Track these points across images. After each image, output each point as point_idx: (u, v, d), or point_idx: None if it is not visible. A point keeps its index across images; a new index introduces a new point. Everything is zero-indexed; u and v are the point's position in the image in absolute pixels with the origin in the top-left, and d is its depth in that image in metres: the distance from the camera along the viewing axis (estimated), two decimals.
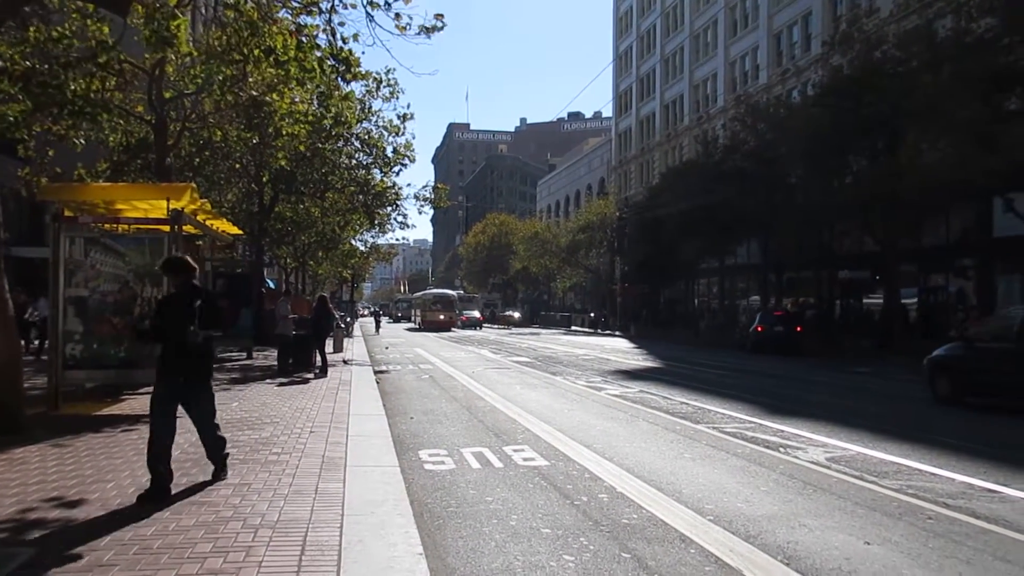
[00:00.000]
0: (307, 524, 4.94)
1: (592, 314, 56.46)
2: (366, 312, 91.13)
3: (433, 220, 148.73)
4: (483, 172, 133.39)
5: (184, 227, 10.75)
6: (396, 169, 24.73)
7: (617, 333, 46.94)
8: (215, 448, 6.17)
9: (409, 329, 56.72)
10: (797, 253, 32.57)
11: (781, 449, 8.59)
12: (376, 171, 25.38)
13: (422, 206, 27.02)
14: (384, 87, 21.43)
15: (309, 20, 10.69)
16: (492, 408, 11.93)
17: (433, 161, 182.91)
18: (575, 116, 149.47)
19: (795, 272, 36.31)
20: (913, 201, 22.82)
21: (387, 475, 6.45)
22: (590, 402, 12.96)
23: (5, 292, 8.24)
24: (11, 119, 11.70)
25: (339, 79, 11.26)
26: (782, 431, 9.84)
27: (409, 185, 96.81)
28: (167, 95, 15.44)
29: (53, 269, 9.81)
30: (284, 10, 11.31)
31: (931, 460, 8.00)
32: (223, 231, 14.48)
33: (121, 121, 15.94)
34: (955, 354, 13.31)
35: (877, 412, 12.02)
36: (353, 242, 37.41)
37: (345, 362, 19.39)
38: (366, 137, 23.77)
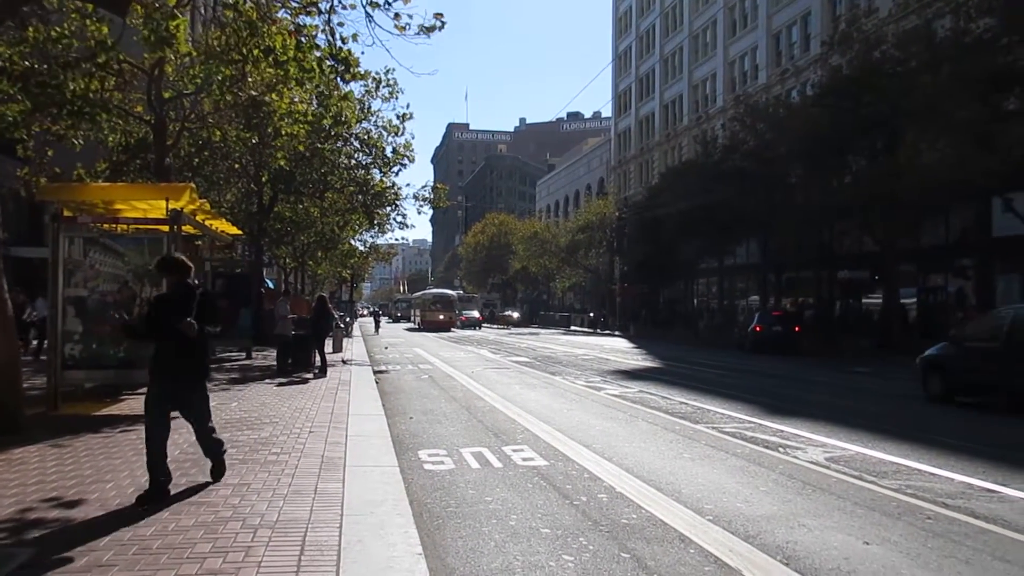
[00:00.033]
0: (306, 524, 4.94)
1: (591, 314, 56.49)
2: (365, 312, 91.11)
3: (432, 220, 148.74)
4: (482, 172, 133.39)
5: (183, 227, 10.75)
6: (395, 169, 24.77)
7: (616, 333, 46.95)
8: (212, 449, 6.10)
9: (408, 329, 56.71)
10: (796, 253, 32.60)
11: (780, 449, 8.59)
12: (375, 171, 25.39)
13: (421, 206, 27.05)
14: (383, 87, 21.46)
15: (308, 20, 10.70)
16: (491, 408, 11.93)
17: (432, 161, 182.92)
18: (574, 116, 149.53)
19: (794, 272, 36.35)
20: (912, 201, 22.86)
21: (386, 475, 6.45)
22: (589, 402, 12.96)
23: (4, 292, 8.23)
24: (10, 119, 11.70)
25: (338, 79, 11.26)
26: (781, 431, 9.85)
27: (408, 185, 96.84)
28: (166, 95, 15.44)
29: (52, 269, 9.81)
30: (283, 10, 11.32)
31: (930, 460, 8.01)
32: (222, 231, 14.48)
33: (120, 121, 15.93)
34: (946, 353, 13.39)
35: (876, 412, 12.03)
36: (352, 242, 37.40)
37: (344, 362, 19.38)
38: (365, 137, 23.77)
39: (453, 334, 45.96)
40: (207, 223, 12.88)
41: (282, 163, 19.57)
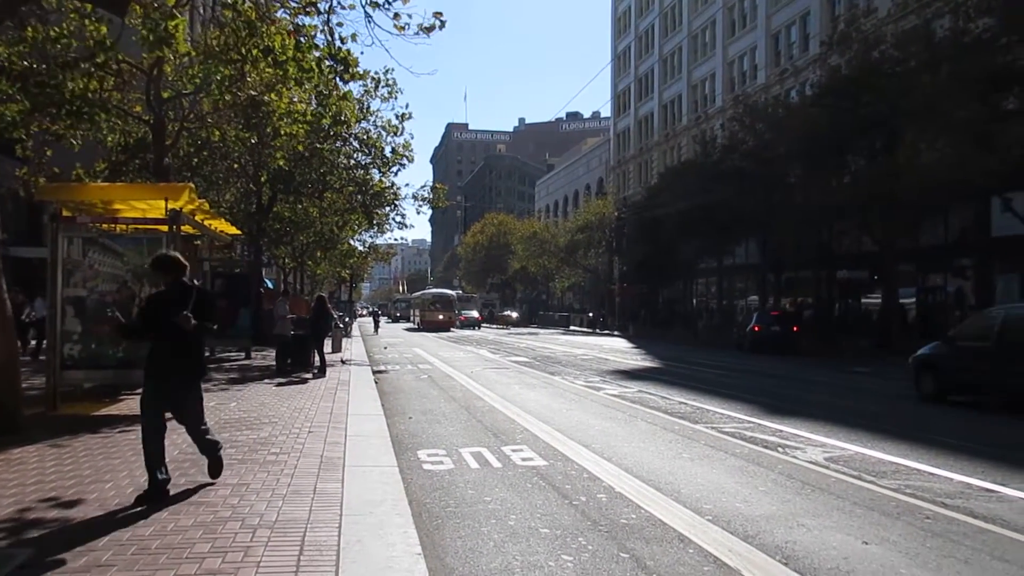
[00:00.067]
0: (305, 524, 4.94)
1: (591, 314, 56.49)
2: (365, 312, 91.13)
3: (431, 220, 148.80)
4: (481, 172, 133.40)
5: (182, 227, 10.75)
6: (394, 169, 24.78)
7: (615, 333, 46.95)
8: (208, 447, 5.99)
9: (408, 329, 56.70)
10: (795, 253, 32.61)
11: (779, 449, 8.60)
12: (375, 171, 25.39)
13: (420, 206, 27.08)
14: (382, 87, 21.45)
15: (307, 20, 10.72)
16: (491, 408, 11.93)
17: (431, 161, 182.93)
18: (573, 116, 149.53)
19: (793, 272, 36.36)
20: (911, 201, 22.87)
21: (386, 475, 6.45)
22: (589, 402, 12.96)
23: (3, 292, 8.22)
24: (9, 119, 11.70)
25: (337, 79, 11.26)
26: (780, 431, 9.85)
27: (407, 185, 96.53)
28: (165, 95, 15.44)
29: (51, 269, 9.80)
30: (282, 10, 11.32)
31: (929, 460, 8.02)
32: (221, 231, 14.48)
33: (119, 121, 15.92)
34: (939, 353, 13.46)
35: (875, 412, 12.04)
36: (351, 242, 37.40)
37: (343, 362, 19.38)
38: (364, 137, 23.77)
39: (452, 334, 45.96)
40: (206, 223, 12.88)
41: (281, 163, 19.57)
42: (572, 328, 54.94)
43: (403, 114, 22.50)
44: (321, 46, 10.30)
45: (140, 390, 5.83)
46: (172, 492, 5.61)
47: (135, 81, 15.36)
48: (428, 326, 52.02)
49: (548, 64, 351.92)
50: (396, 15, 9.27)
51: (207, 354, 18.27)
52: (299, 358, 16.43)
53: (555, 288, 71.80)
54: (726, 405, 12.41)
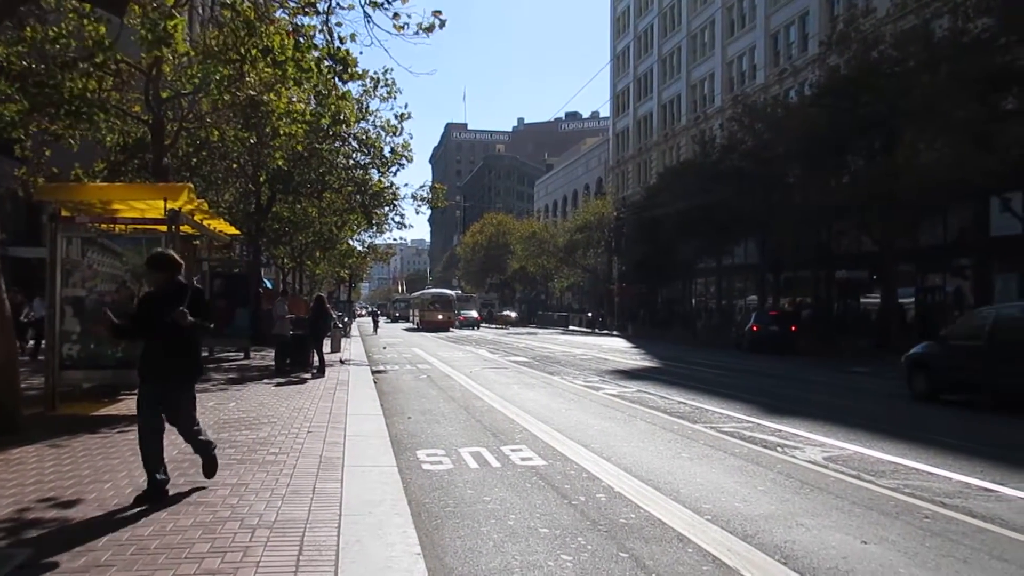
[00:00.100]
0: (305, 524, 4.94)
1: (590, 314, 56.53)
2: (364, 312, 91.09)
3: (431, 220, 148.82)
4: (481, 172, 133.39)
5: (181, 227, 10.73)
6: (393, 169, 24.80)
7: (615, 333, 46.97)
8: (202, 447, 5.93)
9: (407, 329, 56.69)
10: (794, 253, 32.64)
11: (778, 448, 8.60)
12: (374, 171, 25.41)
13: (419, 206, 27.10)
14: (381, 87, 21.45)
15: (306, 20, 10.72)
16: (490, 408, 11.93)
17: (431, 161, 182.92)
18: (573, 116, 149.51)
19: (792, 272, 36.39)
20: (910, 201, 22.89)
21: (385, 475, 6.44)
22: (588, 402, 12.96)
23: (2, 292, 8.22)
24: (8, 119, 11.70)
25: (336, 79, 11.26)
26: (779, 430, 9.85)
27: (407, 185, 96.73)
28: (164, 95, 15.43)
29: (50, 269, 9.79)
30: (281, 10, 11.31)
31: (928, 459, 8.02)
32: (220, 231, 14.46)
33: (118, 121, 15.92)
34: (931, 352, 13.53)
35: (874, 411, 12.05)
36: (351, 242, 37.40)
37: (342, 362, 19.37)
38: (364, 137, 23.78)
39: (451, 334, 45.96)
40: (205, 223, 12.87)
41: (280, 163, 19.56)
42: (571, 328, 54.94)
43: (402, 114, 22.58)
44: (320, 46, 10.30)
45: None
46: (171, 492, 5.61)
47: (134, 81, 15.36)
48: (427, 326, 52.02)
49: (547, 64, 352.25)
50: (395, 15, 9.27)
51: (206, 354, 18.30)
52: (298, 358, 16.42)
53: (554, 288, 71.83)
54: (725, 405, 12.41)
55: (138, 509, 5.24)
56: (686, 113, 51.82)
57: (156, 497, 5.42)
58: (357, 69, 10.50)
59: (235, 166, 22.77)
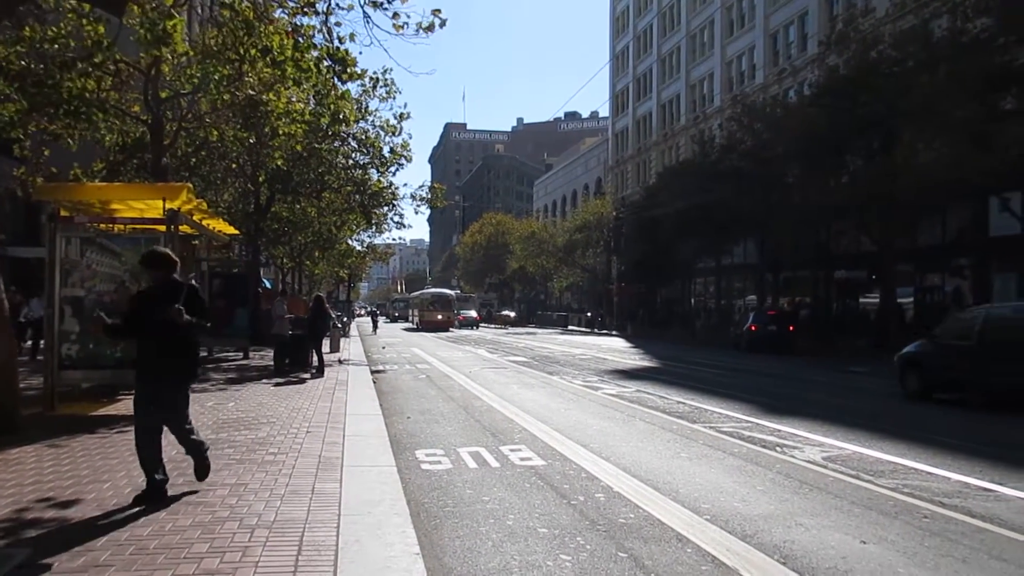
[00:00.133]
0: (304, 524, 4.94)
1: (589, 314, 56.52)
2: (363, 312, 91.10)
3: (430, 220, 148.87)
4: (480, 172, 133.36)
5: (180, 227, 10.73)
6: (393, 169, 24.78)
7: (614, 333, 46.97)
8: (194, 448, 5.89)
9: (406, 329, 56.68)
10: (793, 253, 32.66)
11: (778, 448, 8.60)
12: (373, 171, 25.38)
13: (419, 206, 27.07)
14: (381, 87, 21.42)
15: (305, 20, 10.71)
16: (489, 408, 11.93)
17: (430, 161, 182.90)
18: (572, 116, 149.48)
19: (791, 272, 36.41)
20: (909, 201, 22.90)
21: (384, 475, 6.44)
22: (587, 402, 12.97)
23: (1, 292, 8.22)
24: (7, 119, 11.70)
25: (335, 79, 11.26)
26: (779, 430, 9.86)
27: (406, 185, 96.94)
28: (163, 95, 15.42)
29: (49, 269, 9.78)
30: (280, 10, 11.31)
31: (927, 459, 8.03)
32: (219, 231, 14.46)
33: (117, 121, 15.92)
34: (923, 351, 13.61)
35: (873, 411, 12.06)
36: (350, 242, 37.39)
37: (341, 362, 19.37)
38: (363, 137, 23.77)
39: (451, 334, 45.95)
40: (204, 223, 12.86)
41: (279, 163, 19.56)
42: (570, 328, 54.94)
43: (401, 114, 22.57)
44: (319, 46, 10.30)
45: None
46: (170, 492, 5.60)
47: (133, 81, 15.35)
48: (426, 326, 52.00)
49: (547, 64, 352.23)
50: (395, 15, 9.27)
51: (204, 354, 18.27)
52: (297, 358, 16.42)
53: (553, 288, 71.81)
54: (724, 404, 12.42)
55: (137, 509, 5.24)
56: (685, 113, 51.83)
57: (155, 497, 5.42)
58: (356, 69, 10.51)
59: (234, 166, 22.75)
